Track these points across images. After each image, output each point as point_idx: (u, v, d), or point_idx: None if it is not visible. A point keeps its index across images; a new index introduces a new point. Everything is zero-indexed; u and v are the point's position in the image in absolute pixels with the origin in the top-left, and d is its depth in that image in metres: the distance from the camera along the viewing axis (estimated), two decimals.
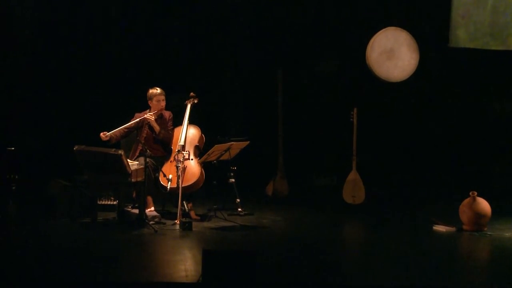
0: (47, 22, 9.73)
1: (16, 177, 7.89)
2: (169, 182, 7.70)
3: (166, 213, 8.22)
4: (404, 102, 10.25)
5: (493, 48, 8.44)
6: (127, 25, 9.96)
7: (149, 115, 8.10)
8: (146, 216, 7.67)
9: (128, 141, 8.28)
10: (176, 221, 7.68)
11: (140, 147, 8.04)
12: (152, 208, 8.05)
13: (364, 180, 8.93)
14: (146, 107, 8.30)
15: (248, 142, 8.13)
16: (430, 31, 9.53)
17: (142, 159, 7.75)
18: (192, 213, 8.05)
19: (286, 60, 10.21)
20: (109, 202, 7.91)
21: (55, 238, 7.16)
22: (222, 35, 10.32)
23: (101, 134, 7.84)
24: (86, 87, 9.88)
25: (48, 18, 9.71)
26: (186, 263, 6.30)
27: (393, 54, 8.49)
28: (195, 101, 8.34)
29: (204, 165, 8.03)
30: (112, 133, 7.93)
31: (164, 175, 7.75)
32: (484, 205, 7.62)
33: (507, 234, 7.48)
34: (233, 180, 8.49)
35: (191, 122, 8.22)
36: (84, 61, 9.85)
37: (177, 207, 7.73)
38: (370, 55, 8.48)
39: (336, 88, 10.42)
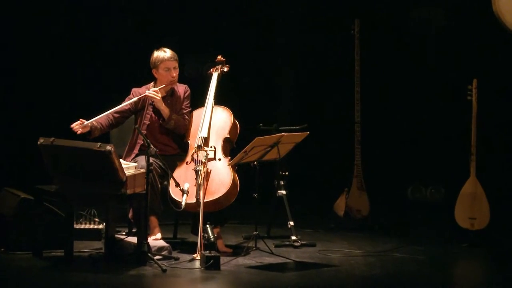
0: None
1: None
2: (185, 195, 7.71)
3: (180, 243, 8.36)
4: None
5: None
6: None
7: (153, 92, 8.05)
8: (149, 247, 7.63)
9: (121, 131, 8.38)
10: (195, 255, 7.71)
11: (140, 142, 8.09)
12: (159, 236, 8.09)
13: (488, 193, 8.88)
14: (149, 79, 8.29)
15: (307, 133, 8.13)
16: None
17: (142, 159, 7.80)
18: (220, 243, 8.09)
19: (365, 8, 10.42)
20: (92, 226, 8.07)
21: (8, 283, 7.03)
22: None
23: (75, 124, 7.84)
24: (59, 55, 10.31)
25: None
26: None
27: None
28: (225, 70, 8.45)
29: (238, 169, 8.05)
30: (94, 121, 7.98)
31: (177, 185, 7.74)
32: None
33: None
34: (283, 192, 8.63)
35: (219, 101, 8.22)
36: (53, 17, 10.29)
37: (196, 234, 7.79)
38: None
39: (444, 50, 10.63)
